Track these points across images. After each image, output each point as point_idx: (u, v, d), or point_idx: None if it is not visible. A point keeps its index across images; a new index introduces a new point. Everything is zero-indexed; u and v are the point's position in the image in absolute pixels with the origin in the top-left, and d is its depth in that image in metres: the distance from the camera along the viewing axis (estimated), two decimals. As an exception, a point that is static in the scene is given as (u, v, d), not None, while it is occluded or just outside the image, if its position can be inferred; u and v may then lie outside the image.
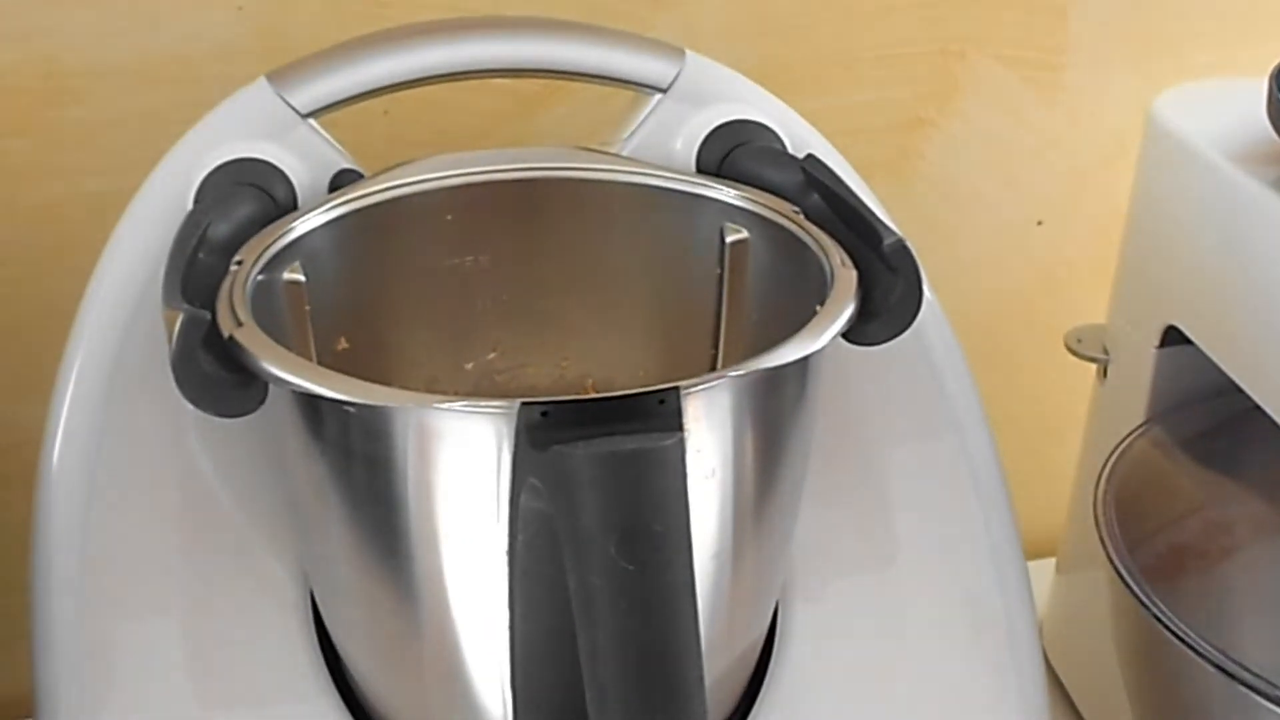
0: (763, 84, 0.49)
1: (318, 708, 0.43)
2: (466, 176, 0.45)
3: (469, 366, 0.48)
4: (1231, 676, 0.47)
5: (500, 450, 0.35)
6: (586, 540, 0.33)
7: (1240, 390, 0.53)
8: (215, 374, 0.36)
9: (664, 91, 0.48)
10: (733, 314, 0.46)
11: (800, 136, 0.48)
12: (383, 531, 0.38)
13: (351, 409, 0.36)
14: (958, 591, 0.48)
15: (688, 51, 0.48)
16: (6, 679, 0.62)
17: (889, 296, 0.39)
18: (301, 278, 0.42)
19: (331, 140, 0.46)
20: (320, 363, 0.42)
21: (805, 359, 0.37)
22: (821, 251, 0.41)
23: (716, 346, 0.47)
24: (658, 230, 0.46)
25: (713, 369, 0.47)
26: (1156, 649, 0.51)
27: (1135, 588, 0.51)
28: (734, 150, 0.47)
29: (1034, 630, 0.49)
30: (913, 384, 0.48)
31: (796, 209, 0.44)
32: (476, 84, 0.47)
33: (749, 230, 0.45)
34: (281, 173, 0.44)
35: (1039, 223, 0.73)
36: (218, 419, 0.37)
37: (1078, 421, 0.67)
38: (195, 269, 0.39)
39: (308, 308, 0.43)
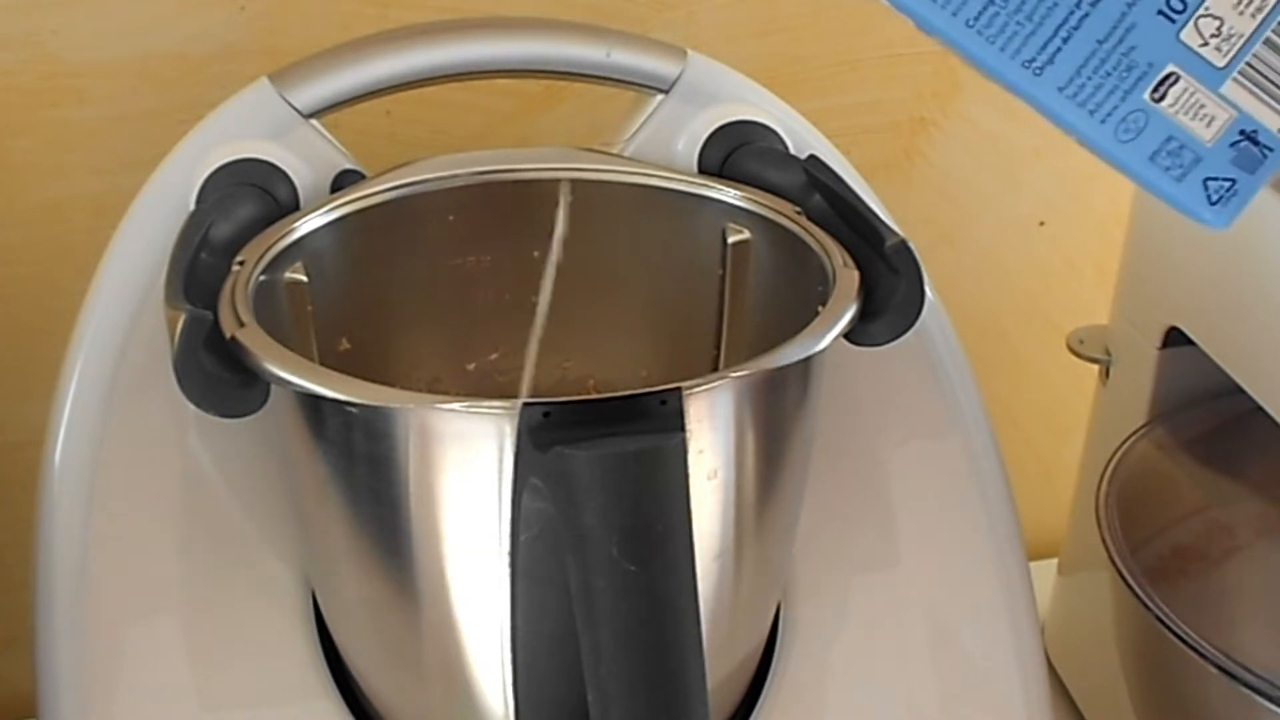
0: (765, 84, 0.49)
1: (319, 708, 0.43)
2: (468, 177, 0.45)
3: (471, 367, 0.48)
4: (1233, 677, 0.47)
5: (502, 451, 0.35)
6: (588, 541, 0.33)
7: (1242, 391, 0.53)
8: (217, 374, 0.36)
9: (666, 92, 0.48)
10: (734, 315, 0.46)
11: (802, 137, 0.48)
12: (385, 532, 0.38)
13: (353, 409, 0.36)
14: (960, 592, 0.48)
15: (690, 52, 0.48)
16: (8, 678, 0.62)
17: (891, 297, 0.39)
18: (304, 278, 0.42)
19: (333, 140, 0.46)
20: (322, 363, 0.42)
21: (807, 360, 0.37)
22: (823, 252, 0.41)
23: (718, 347, 0.47)
24: (660, 231, 0.46)
25: (714, 370, 0.47)
26: (1158, 650, 0.51)
27: (1137, 589, 0.51)
28: (736, 151, 0.47)
29: (1036, 631, 0.49)
30: (915, 385, 0.48)
31: (798, 209, 0.44)
32: (478, 84, 0.47)
33: (751, 231, 0.45)
34: (283, 173, 0.44)
35: (1041, 223, 0.73)
36: (220, 419, 0.37)
37: (1080, 422, 0.67)
38: (197, 269, 0.39)
39: (310, 308, 0.43)
